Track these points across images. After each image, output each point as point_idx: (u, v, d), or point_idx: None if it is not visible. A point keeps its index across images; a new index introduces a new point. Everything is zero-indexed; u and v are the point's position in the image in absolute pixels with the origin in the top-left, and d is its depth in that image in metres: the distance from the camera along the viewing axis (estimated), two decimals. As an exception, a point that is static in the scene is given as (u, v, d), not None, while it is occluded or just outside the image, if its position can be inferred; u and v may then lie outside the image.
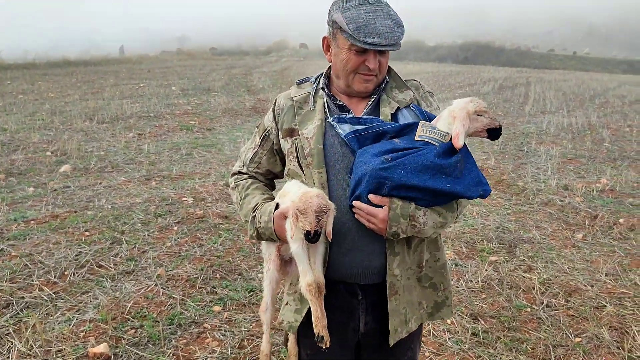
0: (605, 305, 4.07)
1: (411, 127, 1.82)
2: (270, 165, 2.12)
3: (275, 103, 2.08)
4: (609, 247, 5.23)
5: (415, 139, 1.78)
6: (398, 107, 1.94)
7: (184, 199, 6.37)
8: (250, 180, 2.10)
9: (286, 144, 1.99)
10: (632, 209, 6.25)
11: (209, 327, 3.72)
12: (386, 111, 1.94)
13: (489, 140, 1.94)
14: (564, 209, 6.30)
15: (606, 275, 4.61)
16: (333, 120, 1.92)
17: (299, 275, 1.77)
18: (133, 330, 3.62)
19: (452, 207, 1.85)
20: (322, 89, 2.01)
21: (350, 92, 1.98)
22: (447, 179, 1.70)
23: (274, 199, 1.97)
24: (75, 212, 5.87)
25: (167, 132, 10.49)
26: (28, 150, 8.60)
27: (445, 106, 1.85)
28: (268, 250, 2.01)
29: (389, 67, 2.02)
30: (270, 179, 2.18)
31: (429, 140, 1.76)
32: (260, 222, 1.89)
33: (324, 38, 1.99)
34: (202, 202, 6.29)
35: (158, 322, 3.72)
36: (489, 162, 8.42)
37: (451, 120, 1.77)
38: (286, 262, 1.99)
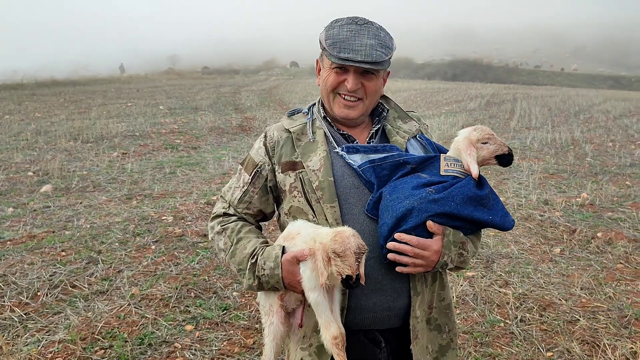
0: (579, 319, 4.08)
1: (432, 160, 1.77)
2: (263, 205, 1.93)
3: (265, 137, 1.93)
4: (585, 261, 5.26)
5: (442, 173, 1.73)
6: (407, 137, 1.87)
7: (163, 217, 6.35)
8: (240, 223, 1.90)
9: (288, 179, 1.83)
10: (610, 223, 6.29)
11: (180, 346, 3.69)
12: (399, 140, 1.86)
13: (501, 167, 1.92)
14: (543, 223, 6.34)
15: (581, 289, 4.62)
16: (342, 150, 1.81)
17: (320, 328, 1.59)
18: (102, 351, 3.58)
19: (480, 236, 1.84)
20: (324, 118, 1.90)
21: (335, 118, 1.89)
22: (485, 210, 1.70)
23: (268, 243, 1.82)
24: (53, 232, 5.84)
25: (152, 151, 10.49)
26: (10, 171, 8.56)
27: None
28: (268, 301, 1.78)
29: (388, 97, 1.97)
30: (258, 221, 1.99)
31: (456, 175, 1.72)
32: (264, 269, 1.70)
33: (317, 61, 1.93)
34: (182, 220, 6.28)
35: (128, 342, 3.68)
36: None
37: (458, 153, 1.76)
38: (288, 314, 1.79)
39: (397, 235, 1.64)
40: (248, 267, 1.76)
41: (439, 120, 14.60)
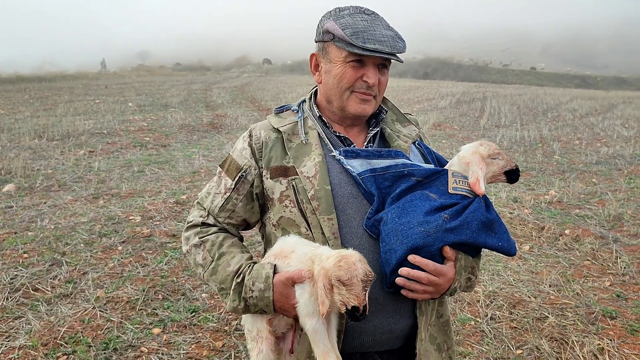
0: (548, 316, 4.12)
1: (439, 174, 1.64)
2: (247, 214, 1.73)
3: (250, 136, 1.73)
4: (554, 258, 5.32)
5: (450, 191, 1.60)
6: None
7: (131, 217, 6.21)
8: (222, 235, 1.70)
9: (279, 186, 1.65)
10: (577, 220, 6.39)
11: (146, 350, 3.60)
12: (402, 145, 1.71)
13: (508, 184, 1.82)
14: (513, 221, 6.40)
15: (550, 286, 4.67)
16: (340, 154, 1.64)
17: (317, 357, 1.44)
18: (65, 357, 3.46)
19: (480, 256, 1.70)
20: (319, 117, 1.74)
21: (344, 117, 1.71)
22: (494, 235, 1.59)
23: (253, 259, 1.65)
24: (15, 233, 5.65)
25: (120, 149, 10.27)
26: (-30, 170, 8.27)
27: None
28: (256, 326, 1.60)
29: (386, 97, 1.82)
30: (240, 231, 1.81)
31: (465, 193, 1.60)
32: (253, 291, 1.53)
33: (312, 55, 1.74)
34: (150, 220, 6.14)
35: (92, 347, 3.57)
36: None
37: (465, 167, 1.64)
38: (277, 338, 1.62)
39: (410, 258, 1.49)
40: (233, 287, 1.58)
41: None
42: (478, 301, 4.37)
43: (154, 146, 10.64)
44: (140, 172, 8.48)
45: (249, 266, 1.60)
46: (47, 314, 4.00)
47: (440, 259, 1.55)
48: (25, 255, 5.06)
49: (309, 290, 1.43)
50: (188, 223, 1.77)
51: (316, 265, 1.42)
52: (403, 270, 1.51)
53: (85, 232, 5.67)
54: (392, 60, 1.67)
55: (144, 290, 4.40)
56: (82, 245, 5.35)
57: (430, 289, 1.53)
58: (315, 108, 1.77)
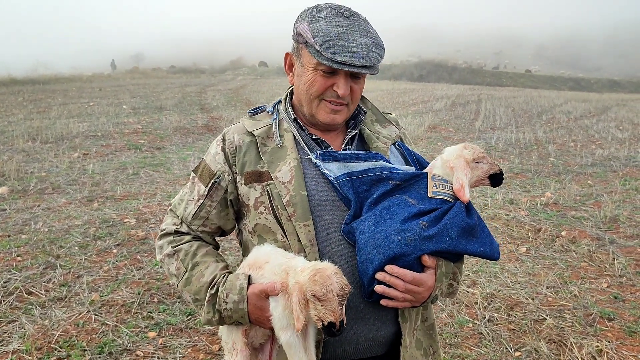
0: (545, 318, 4.10)
1: (418, 178, 1.57)
2: (222, 221, 1.67)
3: (223, 140, 1.66)
4: (550, 260, 5.31)
5: (430, 195, 1.54)
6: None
7: (126, 220, 6.16)
8: (196, 244, 1.64)
9: (253, 192, 1.59)
10: (573, 222, 6.39)
11: (142, 354, 3.56)
12: (382, 146, 1.65)
13: (491, 187, 1.73)
14: (509, 223, 6.39)
15: (547, 287, 4.66)
16: (316, 158, 1.57)
17: None
18: (59, 361, 3.42)
19: (463, 261, 1.64)
20: (295, 119, 1.67)
21: (315, 124, 1.65)
22: (476, 240, 1.53)
23: (228, 267, 1.60)
24: (9, 236, 5.59)
25: (115, 151, 10.20)
26: (-37, 172, 8.19)
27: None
28: (231, 337, 1.56)
29: (365, 98, 1.75)
30: (215, 238, 1.75)
31: (445, 197, 1.54)
32: (227, 303, 1.48)
33: (287, 55, 1.67)
34: (145, 223, 6.10)
35: (87, 350, 3.52)
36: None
37: (448, 171, 1.58)
38: (255, 349, 1.58)
39: (388, 268, 1.44)
40: (207, 298, 1.52)
41: (406, 120, 14.67)
42: (476, 303, 4.35)
43: (148, 149, 10.58)
44: (134, 175, 8.42)
45: (223, 277, 1.54)
46: (41, 318, 3.95)
47: (420, 267, 1.49)
48: (19, 258, 5.00)
49: (282, 303, 1.38)
50: (161, 231, 1.71)
51: (291, 277, 1.37)
52: (380, 275, 1.45)
53: (80, 235, 5.62)
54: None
55: (139, 294, 4.35)
56: (76, 248, 5.30)
57: (409, 297, 1.48)
58: (290, 110, 1.69)
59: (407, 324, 1.60)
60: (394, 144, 1.71)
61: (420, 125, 13.64)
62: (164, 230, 1.70)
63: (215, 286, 1.53)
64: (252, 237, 1.62)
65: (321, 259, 1.50)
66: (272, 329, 1.45)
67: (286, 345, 1.38)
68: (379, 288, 1.46)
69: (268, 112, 1.71)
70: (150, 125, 13.19)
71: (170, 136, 11.95)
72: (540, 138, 12.57)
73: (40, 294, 4.33)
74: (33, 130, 11.69)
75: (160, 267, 4.68)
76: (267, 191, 1.57)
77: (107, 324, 3.90)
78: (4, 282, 4.47)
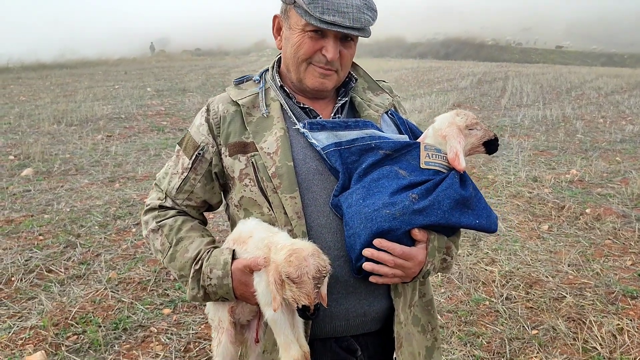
0: (565, 296, 4.01)
1: (410, 148, 1.50)
2: (207, 195, 1.61)
3: (207, 110, 1.61)
4: (573, 238, 5.18)
5: (422, 166, 1.47)
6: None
7: (146, 200, 6.21)
8: (180, 219, 1.58)
9: (238, 164, 1.53)
10: (599, 199, 6.21)
11: (156, 330, 3.60)
12: (373, 114, 1.57)
13: (486, 155, 1.68)
14: (532, 200, 6.25)
15: (568, 265, 4.55)
16: (304, 127, 1.49)
17: (279, 348, 1.34)
18: (75, 337, 3.48)
19: (460, 234, 1.58)
20: (281, 87, 1.60)
21: (302, 90, 1.57)
22: (471, 212, 1.45)
23: (215, 242, 1.55)
24: (32, 216, 5.70)
25: (137, 133, 10.31)
26: (-10, 155, 8.38)
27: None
28: (217, 315, 1.52)
29: (357, 64, 1.68)
30: (202, 212, 1.68)
31: (438, 168, 1.47)
32: (212, 279, 1.43)
33: (275, 17, 1.58)
34: (164, 202, 6.14)
35: (102, 327, 3.58)
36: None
37: (441, 140, 1.50)
38: (242, 327, 1.53)
39: (376, 242, 1.37)
40: (191, 274, 1.47)
41: (430, 98, 14.45)
42: (493, 281, 4.27)
43: (171, 130, 10.65)
44: (156, 156, 8.49)
45: (208, 252, 1.49)
46: (59, 295, 4.02)
47: (410, 241, 1.43)
48: (41, 237, 5.10)
49: (265, 279, 1.32)
50: (146, 206, 1.66)
51: (272, 253, 1.31)
52: (367, 251, 1.38)
53: (100, 215, 5.70)
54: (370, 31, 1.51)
55: (155, 272, 4.40)
56: (96, 227, 5.38)
57: (399, 273, 1.42)
58: (277, 77, 1.62)
59: (400, 299, 1.53)
60: (386, 113, 1.63)
61: (445, 104, 13.41)
62: (149, 205, 1.65)
63: (200, 261, 1.48)
64: (238, 210, 1.57)
65: (309, 232, 1.44)
66: (258, 305, 1.41)
67: (271, 322, 1.34)
68: (367, 266, 1.40)
69: (254, 81, 1.64)
70: (174, 107, 13.27)
71: (192, 118, 11.96)
72: (568, 115, 12.24)
73: (60, 271, 4.41)
74: (59, 114, 11.88)
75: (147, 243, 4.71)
76: (252, 162, 1.50)
77: (123, 300, 3.95)
78: (25, 261, 4.56)
